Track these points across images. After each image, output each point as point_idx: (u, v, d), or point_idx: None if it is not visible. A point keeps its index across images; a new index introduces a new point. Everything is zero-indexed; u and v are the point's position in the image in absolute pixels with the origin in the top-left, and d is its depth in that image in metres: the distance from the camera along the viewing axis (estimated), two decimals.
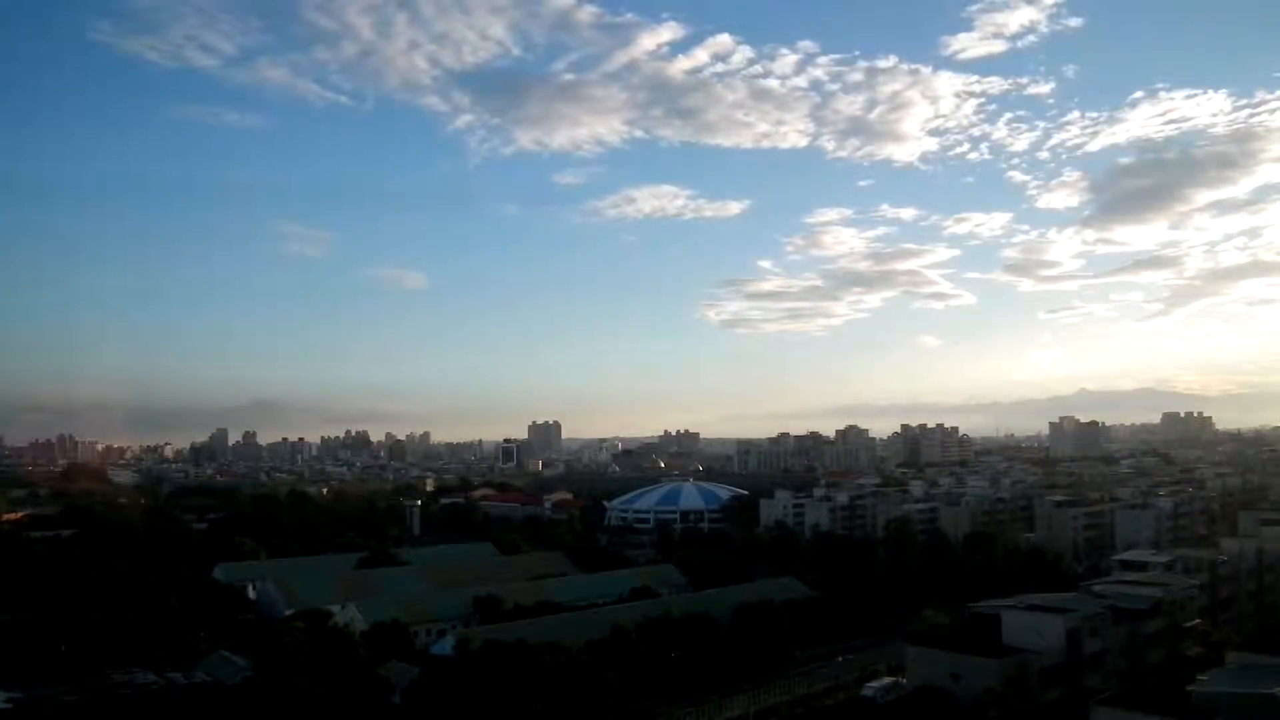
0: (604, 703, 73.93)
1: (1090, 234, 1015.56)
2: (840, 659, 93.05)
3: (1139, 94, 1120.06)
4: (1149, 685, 66.91)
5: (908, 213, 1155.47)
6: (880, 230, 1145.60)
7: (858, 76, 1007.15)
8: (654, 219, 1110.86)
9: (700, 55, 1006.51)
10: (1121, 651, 71.71)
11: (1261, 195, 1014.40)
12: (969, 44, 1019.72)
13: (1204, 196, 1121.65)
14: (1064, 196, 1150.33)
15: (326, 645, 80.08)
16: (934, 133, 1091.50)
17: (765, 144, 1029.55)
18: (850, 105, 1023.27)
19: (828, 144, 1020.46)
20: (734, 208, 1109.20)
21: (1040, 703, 63.19)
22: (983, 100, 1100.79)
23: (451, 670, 73.33)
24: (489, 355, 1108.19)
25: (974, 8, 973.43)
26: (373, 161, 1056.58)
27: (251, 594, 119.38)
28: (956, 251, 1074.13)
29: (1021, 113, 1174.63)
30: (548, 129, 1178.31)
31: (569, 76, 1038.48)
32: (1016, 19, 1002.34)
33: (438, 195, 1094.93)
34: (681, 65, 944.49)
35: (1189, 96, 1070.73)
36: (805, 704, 78.70)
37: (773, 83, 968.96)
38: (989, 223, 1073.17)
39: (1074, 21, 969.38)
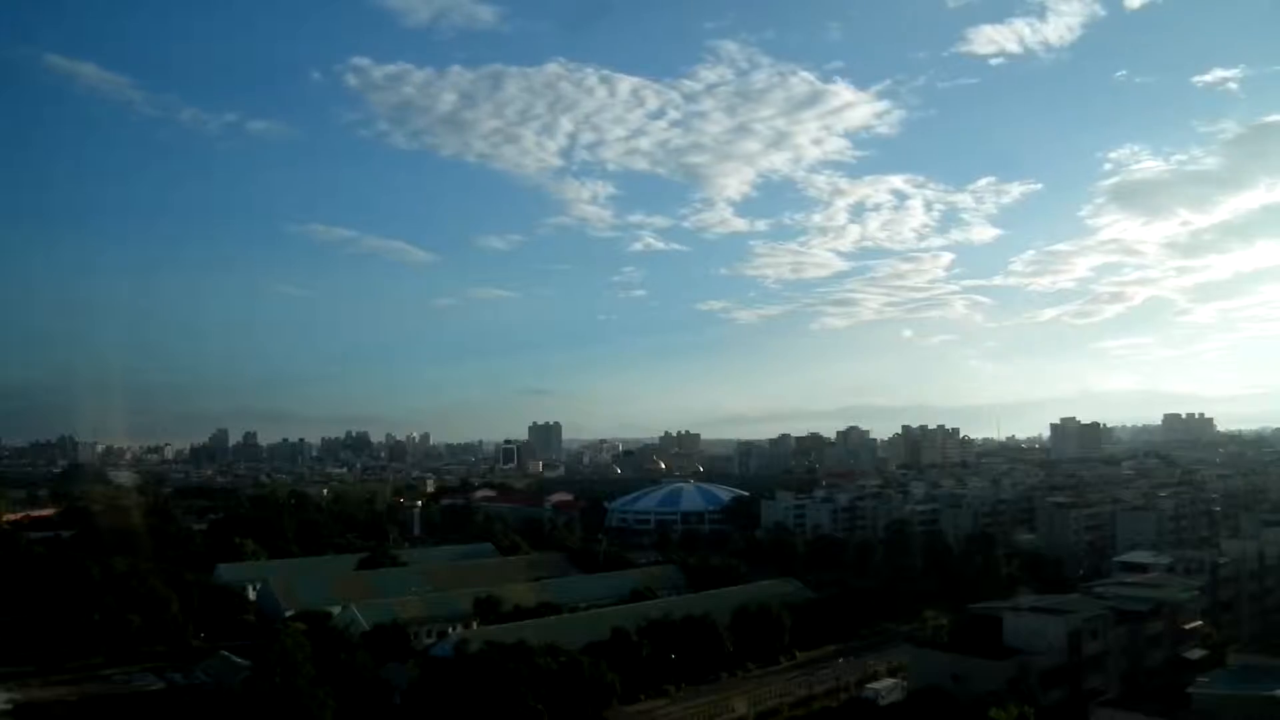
0: (603, 704, 74.00)
1: (1092, 236, 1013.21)
2: (841, 660, 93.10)
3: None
4: (1150, 687, 67.13)
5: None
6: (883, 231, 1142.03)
7: None
8: (653, 218, 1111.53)
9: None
10: (1123, 653, 71.67)
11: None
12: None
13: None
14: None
15: (327, 646, 79.97)
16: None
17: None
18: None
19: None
20: (736, 208, 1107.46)
21: (1042, 704, 63.10)
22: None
23: (451, 671, 73.27)
24: (489, 355, 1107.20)
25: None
26: (372, 161, 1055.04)
27: (252, 595, 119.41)
28: (959, 254, 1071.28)
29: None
30: None
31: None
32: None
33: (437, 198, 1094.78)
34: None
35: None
36: (806, 705, 78.83)
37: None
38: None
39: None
